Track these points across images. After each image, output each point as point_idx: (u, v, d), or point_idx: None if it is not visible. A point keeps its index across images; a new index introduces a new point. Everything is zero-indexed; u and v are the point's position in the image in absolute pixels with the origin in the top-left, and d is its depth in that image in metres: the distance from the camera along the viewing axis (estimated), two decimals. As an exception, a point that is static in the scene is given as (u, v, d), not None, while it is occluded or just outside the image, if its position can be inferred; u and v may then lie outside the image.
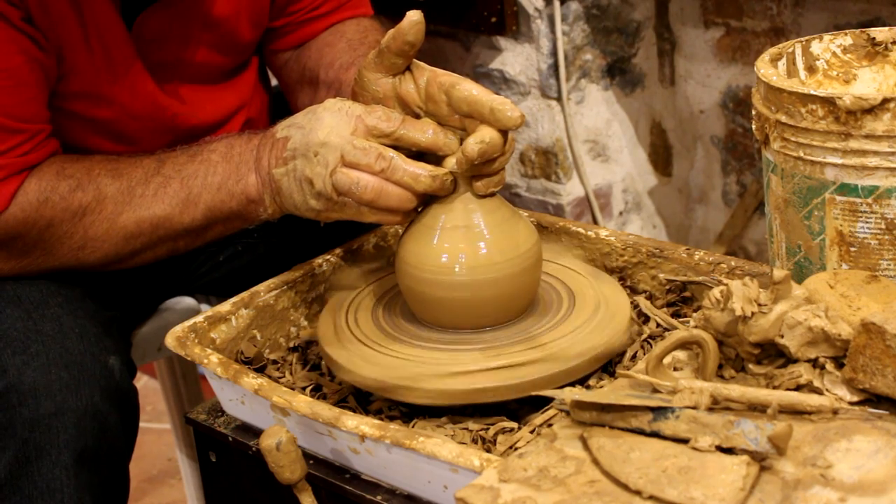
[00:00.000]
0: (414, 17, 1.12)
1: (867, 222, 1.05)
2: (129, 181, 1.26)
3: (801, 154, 1.06)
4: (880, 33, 1.18)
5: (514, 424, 1.08)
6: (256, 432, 1.13)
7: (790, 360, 1.01)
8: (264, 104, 1.57)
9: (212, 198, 1.25)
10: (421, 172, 1.13)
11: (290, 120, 1.21)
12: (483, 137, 1.10)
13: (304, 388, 1.19)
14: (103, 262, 1.29)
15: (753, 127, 1.12)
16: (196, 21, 1.39)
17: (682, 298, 1.26)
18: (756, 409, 0.96)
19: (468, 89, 1.11)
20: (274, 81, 1.62)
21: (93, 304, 1.31)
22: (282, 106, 1.58)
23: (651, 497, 0.87)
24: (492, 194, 1.15)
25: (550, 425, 1.02)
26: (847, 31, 1.19)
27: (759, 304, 1.01)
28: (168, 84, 1.40)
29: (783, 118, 1.07)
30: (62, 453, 1.16)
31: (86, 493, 1.18)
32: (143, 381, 2.66)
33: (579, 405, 0.97)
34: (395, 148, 1.15)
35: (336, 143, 1.14)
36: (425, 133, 1.14)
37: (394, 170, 1.13)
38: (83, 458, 1.18)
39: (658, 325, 1.21)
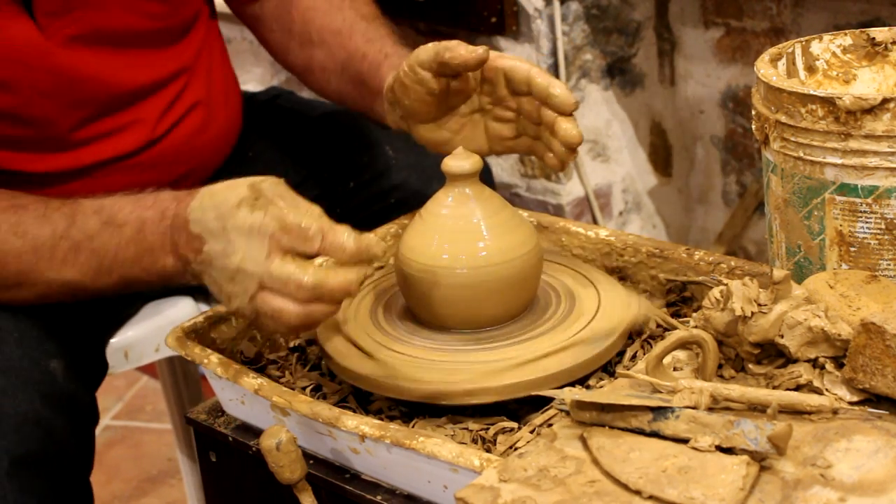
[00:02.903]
0: (481, 52, 1.18)
1: (867, 222, 1.05)
2: (33, 241, 1.18)
3: (801, 154, 1.06)
4: (880, 33, 1.18)
5: (514, 424, 1.08)
6: (256, 432, 1.13)
7: (790, 360, 1.01)
8: (218, 75, 1.49)
9: (127, 271, 1.18)
10: (349, 281, 1.04)
11: (200, 210, 1.10)
12: (569, 124, 1.18)
13: (304, 388, 1.19)
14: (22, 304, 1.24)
15: (753, 127, 1.12)
16: None
17: (682, 298, 1.26)
18: (756, 409, 0.96)
19: (528, 69, 1.19)
20: (255, 85, 1.59)
21: (38, 307, 1.25)
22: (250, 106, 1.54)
23: (651, 497, 0.87)
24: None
25: (550, 425, 1.02)
26: (847, 31, 1.19)
27: (759, 304, 1.01)
28: (78, 48, 1.30)
29: (783, 118, 1.07)
30: (2, 459, 1.14)
31: (31, 499, 1.15)
32: (143, 381, 2.66)
33: (579, 405, 0.97)
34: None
35: (252, 270, 1.05)
36: (348, 244, 1.05)
37: (317, 294, 1.04)
38: (25, 464, 1.15)
39: (658, 325, 1.21)
